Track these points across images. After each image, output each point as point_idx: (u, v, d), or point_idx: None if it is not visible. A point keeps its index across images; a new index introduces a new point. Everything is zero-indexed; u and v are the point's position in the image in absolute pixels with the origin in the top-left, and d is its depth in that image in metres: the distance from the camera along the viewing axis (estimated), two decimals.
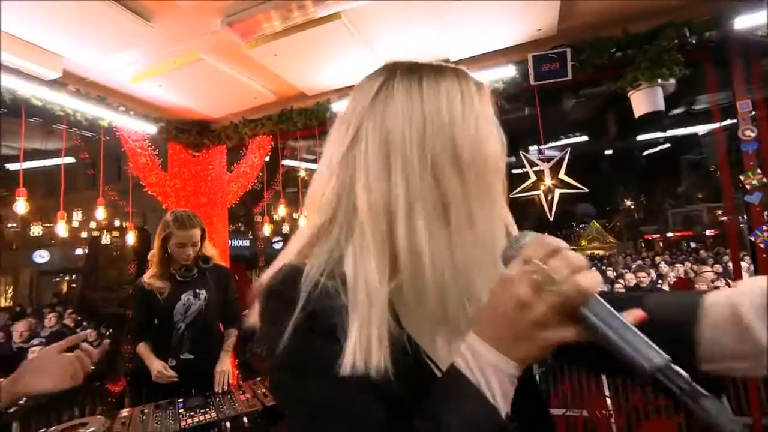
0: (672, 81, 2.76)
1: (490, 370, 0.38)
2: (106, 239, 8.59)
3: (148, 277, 2.11)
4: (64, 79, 2.75)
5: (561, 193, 3.27)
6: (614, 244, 23.12)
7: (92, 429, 1.36)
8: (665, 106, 2.81)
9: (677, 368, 0.34)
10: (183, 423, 1.43)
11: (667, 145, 16.73)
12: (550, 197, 2.92)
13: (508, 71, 2.83)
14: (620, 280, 6.01)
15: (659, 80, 2.69)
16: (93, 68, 2.84)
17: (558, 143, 9.12)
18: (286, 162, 5.39)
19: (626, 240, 25.46)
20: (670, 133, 12.34)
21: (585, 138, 9.68)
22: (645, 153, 18.90)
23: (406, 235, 0.45)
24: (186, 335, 2.12)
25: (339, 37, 2.62)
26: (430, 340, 0.49)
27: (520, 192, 2.92)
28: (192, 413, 1.53)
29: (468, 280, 0.46)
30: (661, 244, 22.67)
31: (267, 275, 0.50)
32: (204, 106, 3.61)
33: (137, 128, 3.38)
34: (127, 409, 1.64)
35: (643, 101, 2.84)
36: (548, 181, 2.86)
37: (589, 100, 4.97)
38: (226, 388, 1.97)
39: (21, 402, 0.73)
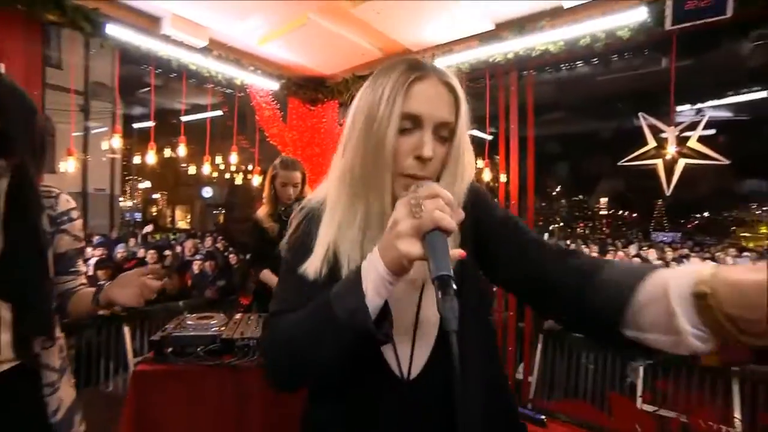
0: None
1: (372, 269, 0.52)
2: (239, 180, 10.47)
3: (262, 215, 2.54)
4: (210, 45, 3.31)
5: (704, 165, 2.76)
6: None
7: (215, 321, 1.86)
8: None
9: (451, 281, 0.45)
10: None
11: None
12: (673, 168, 2.49)
13: (637, 15, 2.38)
14: None
15: None
16: (229, 34, 3.34)
17: (721, 102, 7.09)
18: None
19: None
20: None
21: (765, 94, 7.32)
22: None
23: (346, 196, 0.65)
24: None
25: None
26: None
27: (631, 160, 2.54)
28: None
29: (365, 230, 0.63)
30: None
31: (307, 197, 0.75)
32: (317, 64, 3.93)
33: (263, 85, 3.89)
34: (239, 314, 2.11)
35: None
36: (671, 148, 2.42)
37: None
38: None
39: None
